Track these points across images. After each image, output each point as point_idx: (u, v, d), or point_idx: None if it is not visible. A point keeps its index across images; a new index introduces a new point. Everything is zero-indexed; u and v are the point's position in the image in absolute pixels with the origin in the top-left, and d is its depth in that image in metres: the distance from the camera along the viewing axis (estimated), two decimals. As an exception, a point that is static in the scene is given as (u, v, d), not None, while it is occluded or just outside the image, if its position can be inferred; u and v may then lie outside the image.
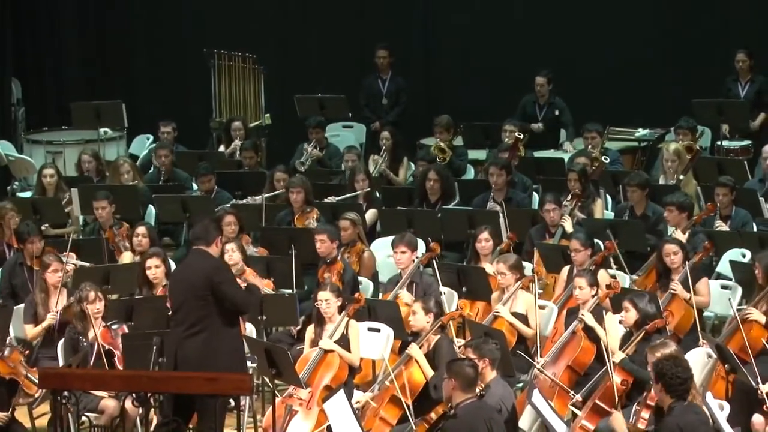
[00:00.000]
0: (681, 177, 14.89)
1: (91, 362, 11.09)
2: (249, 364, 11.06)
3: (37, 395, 11.03)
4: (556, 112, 17.14)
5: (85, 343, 11.26)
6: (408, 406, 9.90)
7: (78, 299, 11.52)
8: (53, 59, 19.93)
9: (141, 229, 13.54)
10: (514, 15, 18.29)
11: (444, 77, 18.63)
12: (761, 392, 9.86)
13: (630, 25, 18.07)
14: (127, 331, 11.29)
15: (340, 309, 11.42)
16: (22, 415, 11.22)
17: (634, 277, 12.87)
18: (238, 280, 11.21)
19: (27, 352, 11.65)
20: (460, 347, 11.16)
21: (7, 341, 11.47)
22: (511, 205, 14.46)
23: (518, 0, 18.37)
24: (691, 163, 15.06)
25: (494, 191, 14.72)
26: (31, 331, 11.99)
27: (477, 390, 9.49)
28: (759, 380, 10.20)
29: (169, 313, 10.56)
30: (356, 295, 11.79)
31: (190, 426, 10.09)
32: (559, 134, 17.19)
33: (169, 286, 10.69)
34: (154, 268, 12.16)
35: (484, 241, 13.01)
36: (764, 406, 9.72)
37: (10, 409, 10.82)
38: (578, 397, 10.57)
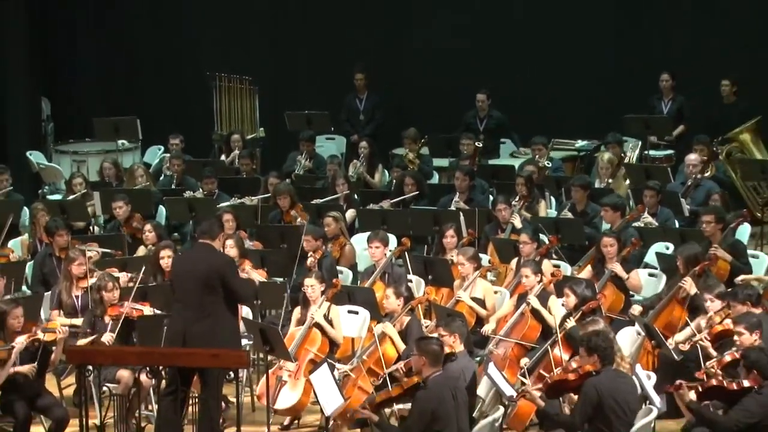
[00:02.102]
0: (610, 180, 14.99)
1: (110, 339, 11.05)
2: (246, 341, 11.07)
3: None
4: (495, 124, 17.13)
5: (100, 324, 11.19)
6: (385, 377, 9.87)
7: (97, 288, 11.49)
8: (77, 81, 19.83)
9: (148, 226, 13.59)
10: (471, 45, 18.23)
11: (412, 96, 18.59)
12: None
13: (573, 52, 18.05)
14: (148, 307, 11.25)
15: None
16: (51, 385, 11.12)
17: (575, 268, 12.89)
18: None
19: None
20: (427, 327, 11.20)
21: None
22: (472, 206, 14.46)
23: (470, 32, 18.26)
24: (617, 170, 15.16)
25: (458, 193, 14.74)
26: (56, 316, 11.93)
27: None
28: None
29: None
30: (334, 281, 11.74)
31: (194, 392, 10.03)
32: (499, 142, 17.20)
33: (174, 272, 10.50)
34: (167, 258, 12.09)
35: (449, 237, 13.03)
36: (697, 372, 9.70)
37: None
38: (526, 368, 10.60)
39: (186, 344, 9.80)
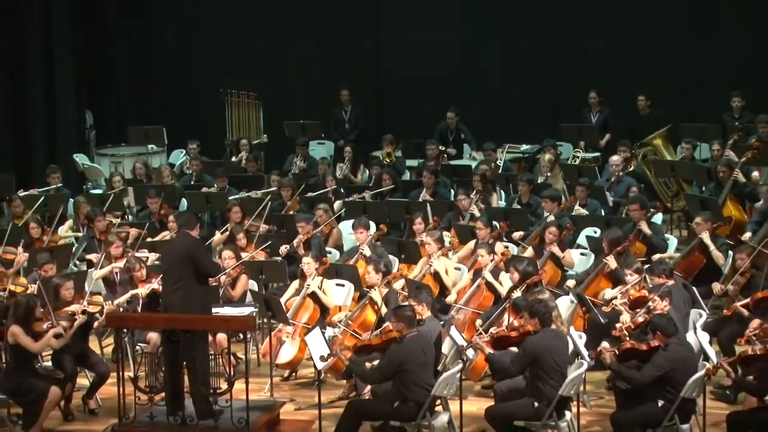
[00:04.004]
0: (549, 176, 15.05)
1: (139, 309, 11.04)
2: (252, 309, 11.08)
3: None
4: (462, 135, 17.19)
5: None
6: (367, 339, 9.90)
7: (126, 269, 11.52)
8: (114, 97, 19.79)
9: (172, 217, 13.56)
10: (437, 69, 18.24)
11: (388, 108, 18.64)
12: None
13: (519, 74, 18.12)
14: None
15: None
16: (94, 345, 11.18)
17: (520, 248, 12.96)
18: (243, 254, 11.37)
19: None
20: (400, 295, 11.24)
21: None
22: (437, 198, 14.51)
23: (436, 58, 18.29)
24: (555, 168, 15.22)
25: (426, 188, 14.78)
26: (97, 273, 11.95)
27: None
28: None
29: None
30: (324, 259, 11.76)
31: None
32: (464, 150, 17.24)
33: (162, 257, 10.32)
34: None
35: (418, 223, 13.04)
36: (613, 331, 9.81)
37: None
38: (481, 330, 10.65)
39: (166, 311, 9.70)
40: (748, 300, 10.34)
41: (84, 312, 10.25)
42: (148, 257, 12.14)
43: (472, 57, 18.35)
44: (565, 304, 10.93)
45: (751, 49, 17.19)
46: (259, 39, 19.37)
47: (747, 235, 12.59)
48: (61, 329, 9.98)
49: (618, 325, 9.78)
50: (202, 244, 10.31)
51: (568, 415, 9.26)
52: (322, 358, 9.47)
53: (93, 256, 12.80)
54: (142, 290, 11.03)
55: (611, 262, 11.35)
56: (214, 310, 10.21)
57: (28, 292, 11.02)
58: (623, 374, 9.12)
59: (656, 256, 12.07)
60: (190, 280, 9.54)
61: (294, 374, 11.34)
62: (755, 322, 9.54)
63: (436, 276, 11.89)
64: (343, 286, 11.70)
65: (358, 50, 18.86)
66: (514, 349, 9.49)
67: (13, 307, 10.04)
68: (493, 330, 9.80)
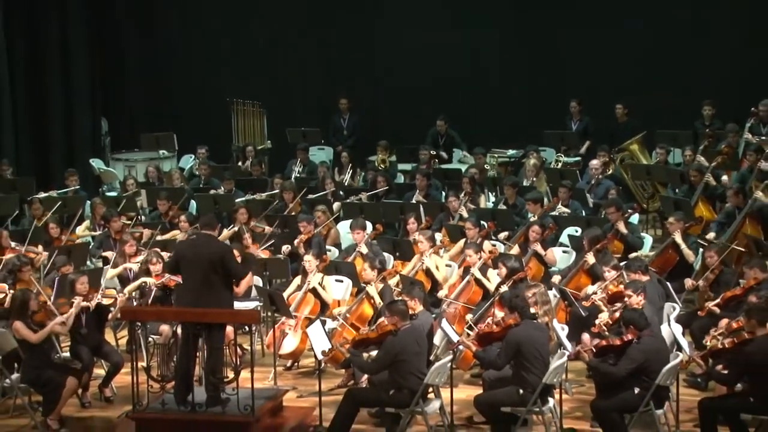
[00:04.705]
0: (534, 179, 15.04)
1: (150, 301, 11.01)
2: (257, 303, 11.07)
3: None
4: (453, 139, 17.17)
5: (146, 290, 11.25)
6: (364, 331, 9.91)
7: (145, 261, 11.51)
8: (128, 106, 19.76)
9: (183, 216, 13.57)
10: (430, 80, 18.22)
11: (383, 115, 18.62)
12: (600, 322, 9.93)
13: (507, 85, 18.15)
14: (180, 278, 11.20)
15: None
16: (109, 337, 11.16)
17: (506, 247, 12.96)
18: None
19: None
20: (395, 291, 11.24)
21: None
22: (429, 200, 14.50)
23: (427, 72, 18.28)
24: (539, 172, 15.22)
25: (418, 190, 14.78)
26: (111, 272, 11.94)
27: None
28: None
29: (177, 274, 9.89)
30: (324, 256, 11.77)
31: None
32: (453, 154, 17.22)
33: (182, 255, 9.57)
34: None
35: (411, 223, 13.02)
36: (593, 327, 9.83)
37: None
38: (471, 322, 10.67)
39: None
40: (718, 300, 10.40)
41: (98, 304, 10.26)
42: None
43: (465, 68, 18.31)
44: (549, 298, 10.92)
45: (720, 62, 17.23)
46: (263, 52, 19.35)
47: (711, 235, 12.65)
48: (62, 319, 9.99)
49: (597, 322, 9.78)
50: (231, 249, 9.99)
51: (551, 401, 9.26)
52: (324, 353, 9.47)
53: (108, 254, 12.80)
54: (151, 279, 10.99)
55: (591, 258, 11.36)
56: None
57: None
58: (601, 370, 9.11)
59: (633, 254, 12.07)
60: (219, 284, 9.30)
61: (296, 364, 11.35)
62: (723, 322, 9.59)
63: (428, 272, 11.87)
64: (341, 281, 11.68)
65: (354, 62, 18.85)
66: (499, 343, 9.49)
67: (10, 303, 10.07)
68: (480, 326, 9.78)
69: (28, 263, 11.35)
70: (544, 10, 18.09)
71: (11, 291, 10.59)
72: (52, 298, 10.65)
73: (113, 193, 16.06)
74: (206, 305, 9.26)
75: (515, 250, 12.36)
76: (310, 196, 14.79)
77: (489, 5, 18.27)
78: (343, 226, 13.75)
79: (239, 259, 11.55)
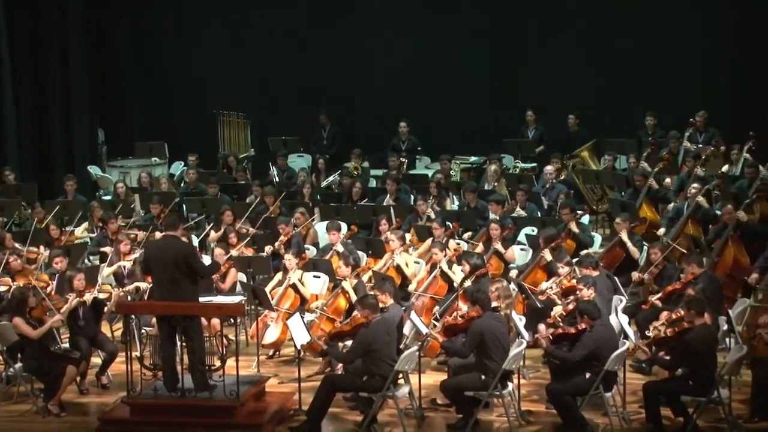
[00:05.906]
0: (495, 184, 15.03)
1: (146, 297, 10.95)
2: (242, 297, 10.99)
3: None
4: (413, 143, 17.09)
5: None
6: (340, 322, 9.87)
7: (137, 261, 11.40)
8: (123, 117, 19.58)
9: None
10: (397, 93, 18.11)
11: (359, 127, 18.55)
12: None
13: (468, 95, 18.09)
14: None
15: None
16: (105, 329, 11.09)
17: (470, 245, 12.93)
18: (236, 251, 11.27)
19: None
20: (368, 286, 11.17)
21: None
22: (399, 203, 14.42)
23: (396, 84, 18.18)
24: (500, 177, 15.22)
25: (389, 194, 14.72)
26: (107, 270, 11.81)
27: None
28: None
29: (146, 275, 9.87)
30: (303, 255, 11.71)
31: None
32: (415, 158, 17.11)
33: (150, 256, 9.37)
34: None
35: (383, 224, 12.96)
36: (548, 318, 9.81)
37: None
38: (437, 314, 10.66)
39: None
40: (660, 294, 10.43)
41: (95, 299, 10.16)
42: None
43: (432, 83, 18.25)
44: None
45: (662, 76, 17.33)
46: (248, 68, 19.20)
47: (661, 231, 12.75)
48: (59, 317, 9.91)
49: (552, 314, 9.79)
50: (196, 249, 9.84)
51: (510, 386, 9.27)
52: (303, 347, 9.43)
53: (106, 249, 12.71)
54: (145, 284, 10.88)
55: (547, 255, 11.36)
56: (208, 298, 10.08)
57: (49, 286, 10.91)
58: (557, 355, 9.14)
59: (584, 251, 12.09)
60: (184, 280, 9.15)
61: (278, 353, 11.30)
62: (664, 315, 9.62)
63: (399, 269, 11.84)
64: (319, 277, 11.64)
65: (328, 74, 18.68)
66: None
67: (8, 300, 9.97)
68: (446, 318, 9.75)
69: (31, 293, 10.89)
70: (504, 29, 18.07)
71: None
72: (53, 289, 10.58)
73: (109, 198, 15.92)
74: (175, 300, 9.15)
75: (479, 248, 12.33)
76: (289, 200, 14.68)
77: (452, 26, 18.21)
78: (321, 227, 13.69)
79: (223, 257, 11.54)
